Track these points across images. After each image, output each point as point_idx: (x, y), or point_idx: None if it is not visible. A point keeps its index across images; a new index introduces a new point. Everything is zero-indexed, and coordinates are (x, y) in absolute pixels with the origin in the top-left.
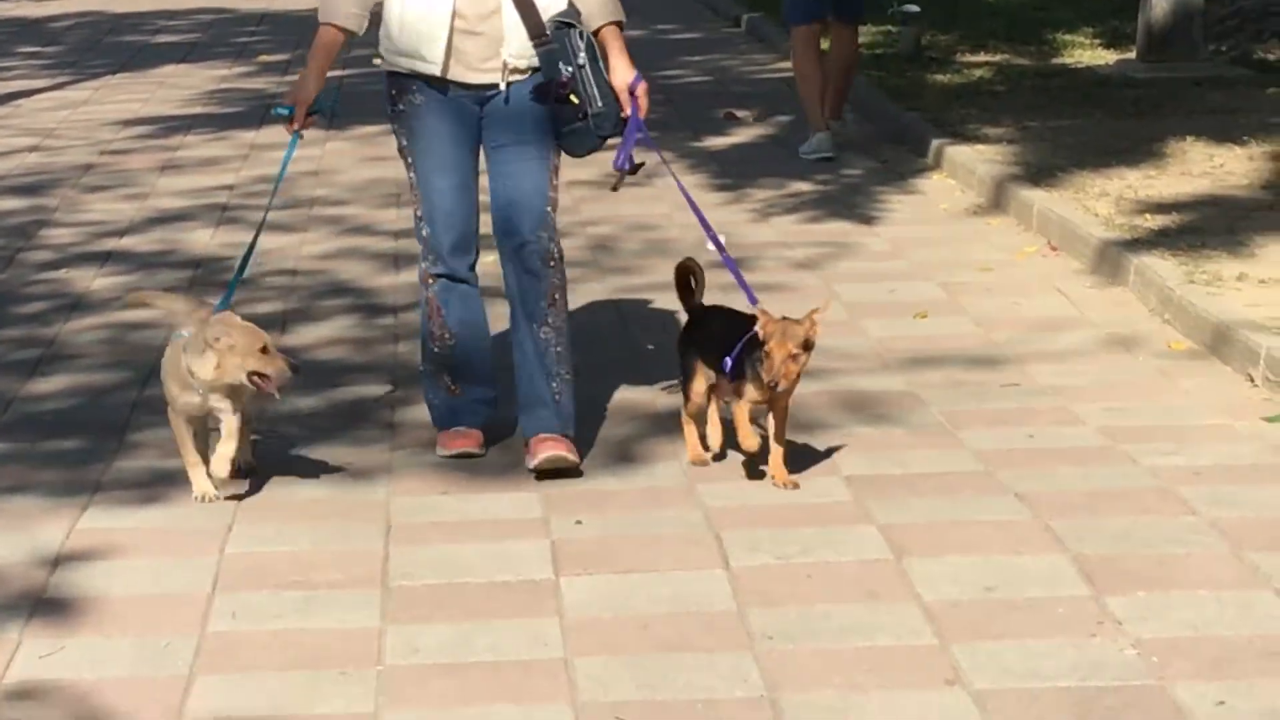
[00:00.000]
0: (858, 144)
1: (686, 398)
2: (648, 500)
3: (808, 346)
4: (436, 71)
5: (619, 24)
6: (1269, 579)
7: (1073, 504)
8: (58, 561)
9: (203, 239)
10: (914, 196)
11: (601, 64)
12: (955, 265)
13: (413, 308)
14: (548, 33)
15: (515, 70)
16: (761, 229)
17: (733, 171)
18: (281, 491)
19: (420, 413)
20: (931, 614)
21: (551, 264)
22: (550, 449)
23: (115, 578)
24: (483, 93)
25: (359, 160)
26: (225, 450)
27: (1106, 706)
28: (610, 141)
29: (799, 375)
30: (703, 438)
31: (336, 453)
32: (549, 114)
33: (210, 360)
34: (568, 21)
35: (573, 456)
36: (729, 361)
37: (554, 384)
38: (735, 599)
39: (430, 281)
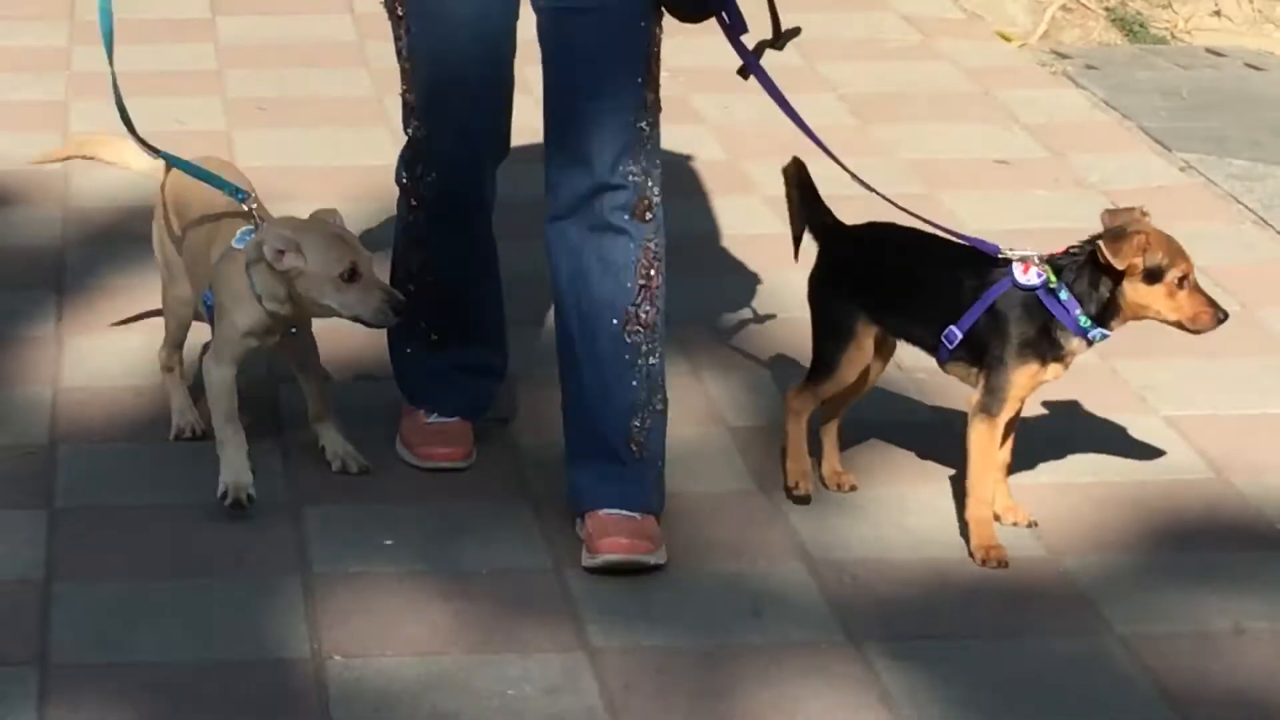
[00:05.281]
0: None
1: (825, 374)
2: None
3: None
4: None
5: None
6: None
7: None
8: None
9: None
10: None
11: None
12: None
13: None
14: None
15: None
16: None
17: None
18: None
19: None
20: None
21: (647, 218)
22: (618, 543)
23: None
24: None
25: None
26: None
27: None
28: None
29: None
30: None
31: None
32: None
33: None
34: None
35: (654, 556)
36: (956, 333)
37: (636, 423)
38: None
39: (414, 204)
